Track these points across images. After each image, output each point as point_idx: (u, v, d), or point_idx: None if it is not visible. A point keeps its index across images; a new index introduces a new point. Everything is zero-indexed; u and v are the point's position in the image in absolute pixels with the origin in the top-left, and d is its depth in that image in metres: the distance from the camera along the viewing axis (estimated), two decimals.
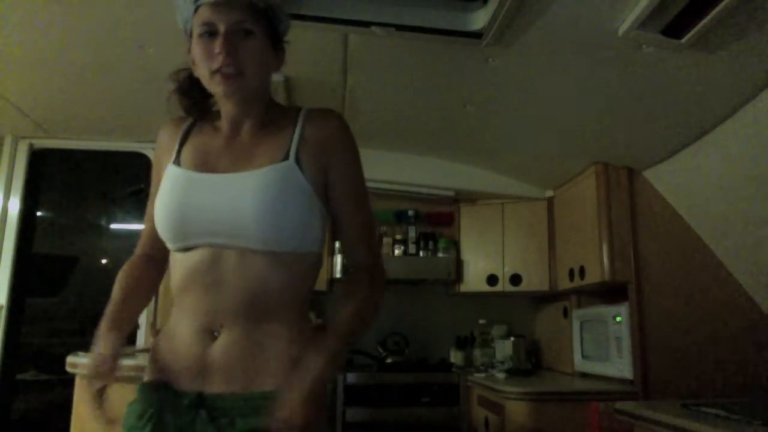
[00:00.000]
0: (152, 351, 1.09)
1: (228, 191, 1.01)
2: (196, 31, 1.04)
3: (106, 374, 0.96)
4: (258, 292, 1.00)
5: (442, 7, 1.81)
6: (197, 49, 1.05)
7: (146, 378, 1.07)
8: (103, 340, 1.00)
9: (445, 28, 1.82)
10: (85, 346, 2.55)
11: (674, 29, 1.63)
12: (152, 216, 1.10)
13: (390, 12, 1.80)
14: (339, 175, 1.08)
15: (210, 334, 1.00)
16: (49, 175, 3.41)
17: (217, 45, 1.01)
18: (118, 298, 1.07)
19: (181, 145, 1.12)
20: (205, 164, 1.06)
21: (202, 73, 1.06)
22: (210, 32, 1.02)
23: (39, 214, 3.38)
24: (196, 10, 1.04)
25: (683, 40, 1.65)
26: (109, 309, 1.05)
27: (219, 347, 1.00)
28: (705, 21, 1.54)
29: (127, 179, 3.49)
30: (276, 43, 1.11)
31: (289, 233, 1.01)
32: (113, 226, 3.60)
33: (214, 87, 1.05)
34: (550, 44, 1.86)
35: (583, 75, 2.04)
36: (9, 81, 2.54)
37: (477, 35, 1.83)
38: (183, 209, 1.01)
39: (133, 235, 3.48)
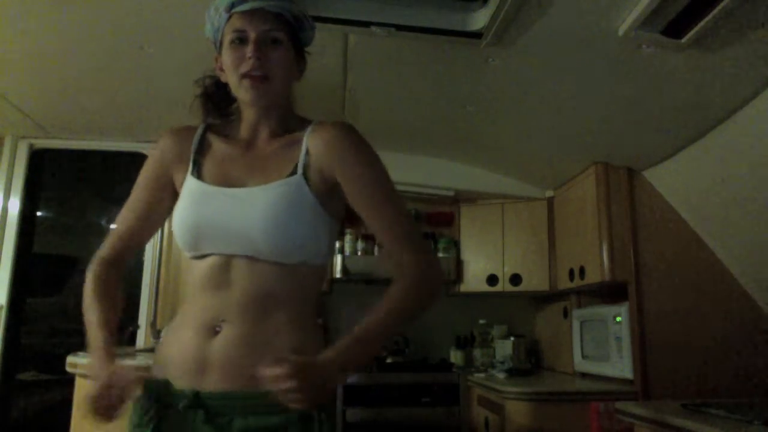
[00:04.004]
0: (157, 347, 1.11)
1: (239, 206, 1.05)
2: (228, 38, 1.10)
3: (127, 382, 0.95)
4: (264, 293, 1.04)
5: (442, 7, 1.81)
6: (227, 55, 1.11)
7: (152, 375, 1.08)
8: (102, 363, 0.99)
9: (445, 28, 1.82)
10: (85, 346, 2.55)
11: (674, 29, 1.63)
12: (129, 216, 1.19)
13: (390, 12, 1.80)
14: (346, 180, 1.09)
15: (212, 329, 1.02)
16: (49, 175, 3.41)
17: (248, 50, 1.07)
18: (101, 320, 1.08)
19: (196, 154, 1.14)
20: (221, 176, 1.11)
21: (231, 78, 1.11)
22: (241, 39, 1.09)
23: (39, 214, 3.38)
24: (228, 18, 1.11)
25: (683, 40, 1.65)
26: (96, 336, 1.05)
27: (219, 342, 1.01)
28: (705, 21, 1.54)
29: (127, 179, 3.48)
30: (299, 53, 1.17)
31: (295, 247, 1.05)
32: (113, 226, 3.60)
33: (242, 92, 1.10)
34: (550, 44, 1.86)
35: (583, 75, 2.04)
36: (9, 81, 2.54)
37: (477, 35, 1.83)
38: (198, 222, 1.07)
39: None
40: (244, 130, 1.15)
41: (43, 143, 3.26)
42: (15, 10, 1.95)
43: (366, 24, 1.81)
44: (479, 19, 1.79)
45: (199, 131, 1.18)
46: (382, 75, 2.31)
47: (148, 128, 3.10)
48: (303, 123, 1.16)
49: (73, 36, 2.11)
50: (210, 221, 1.06)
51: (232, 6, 1.10)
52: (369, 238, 3.43)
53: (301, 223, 1.05)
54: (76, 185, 3.59)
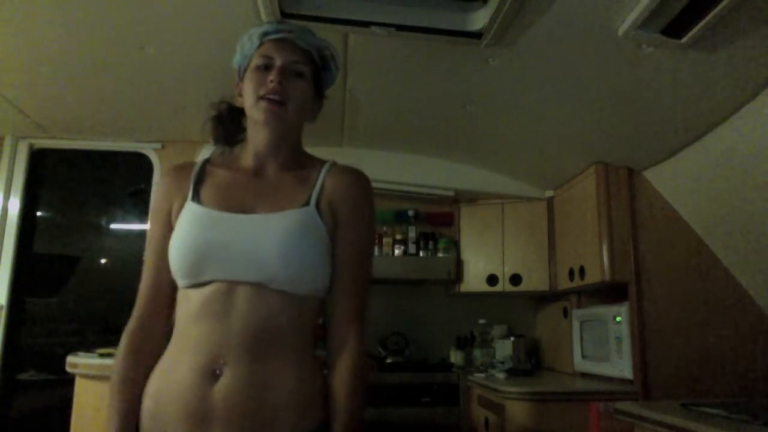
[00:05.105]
0: (146, 391, 1.03)
1: (250, 230, 1.03)
2: (254, 63, 1.13)
3: None
4: (267, 326, 1.00)
5: (442, 7, 1.81)
6: (250, 78, 1.12)
7: (141, 426, 1.01)
8: None
9: (445, 28, 1.82)
10: (85, 347, 2.55)
11: (674, 29, 1.63)
12: (149, 273, 1.11)
13: (390, 12, 1.80)
14: (344, 228, 1.09)
15: (212, 373, 0.97)
16: (49, 175, 3.41)
17: (272, 75, 1.09)
18: (121, 422, 1.02)
19: (197, 184, 1.12)
20: (227, 202, 1.08)
21: (248, 100, 1.11)
22: (266, 65, 1.11)
23: (39, 214, 3.38)
24: (259, 45, 1.14)
25: (683, 40, 1.65)
26: None
27: (222, 390, 0.95)
28: (705, 21, 1.54)
29: (127, 179, 3.49)
30: (318, 93, 1.19)
31: (307, 276, 1.03)
32: (113, 226, 3.60)
33: (257, 113, 1.10)
34: (550, 44, 1.86)
35: (583, 75, 2.04)
36: (9, 81, 2.54)
37: (477, 35, 1.83)
38: (203, 245, 1.02)
39: (133, 235, 3.49)
40: (250, 158, 1.14)
41: (43, 143, 3.26)
42: (15, 11, 1.95)
43: (366, 24, 1.81)
44: (479, 19, 1.79)
45: (199, 164, 1.17)
46: (382, 75, 2.31)
47: (148, 128, 3.11)
48: (312, 160, 1.17)
49: (74, 36, 2.11)
50: (217, 244, 1.01)
51: (266, 34, 1.13)
52: None
53: (314, 253, 1.04)
54: (76, 185, 3.59)
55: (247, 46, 1.15)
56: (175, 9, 1.91)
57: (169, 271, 1.08)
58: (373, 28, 1.82)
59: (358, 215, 1.11)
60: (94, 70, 2.39)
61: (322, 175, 1.12)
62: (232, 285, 1.00)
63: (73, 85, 2.56)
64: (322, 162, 1.16)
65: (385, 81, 2.37)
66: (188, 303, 1.03)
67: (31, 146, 3.24)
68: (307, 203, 1.07)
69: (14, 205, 3.17)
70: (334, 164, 1.16)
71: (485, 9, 1.76)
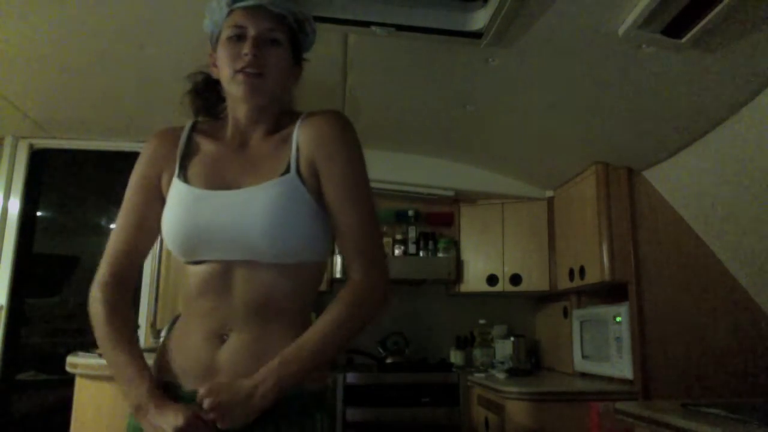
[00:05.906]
0: (159, 353, 1.08)
1: (235, 209, 1.02)
2: (226, 34, 1.08)
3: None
4: (266, 299, 1.02)
5: (442, 7, 1.81)
6: (223, 50, 1.07)
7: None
8: (164, 411, 0.93)
9: (445, 28, 1.82)
10: (85, 347, 2.55)
11: (674, 29, 1.63)
12: (124, 229, 1.12)
13: (390, 12, 1.80)
14: (325, 174, 1.05)
15: (219, 337, 1.01)
16: (49, 175, 3.41)
17: (246, 46, 1.04)
18: (138, 363, 1.00)
19: (183, 157, 1.11)
20: (212, 179, 1.07)
21: (224, 73, 1.07)
22: (239, 35, 1.06)
23: (39, 214, 3.38)
24: (229, 13, 1.09)
25: (683, 40, 1.65)
26: (141, 381, 0.98)
27: (227, 350, 1.00)
28: (705, 21, 1.54)
29: (127, 179, 3.48)
30: (296, 58, 1.14)
31: (295, 246, 1.02)
32: (113, 226, 3.60)
33: (234, 87, 1.06)
34: (550, 44, 1.86)
35: (584, 75, 2.04)
36: (9, 81, 2.54)
37: (477, 35, 1.83)
38: (192, 228, 1.03)
39: None
40: (234, 130, 1.11)
41: (43, 143, 3.26)
42: (15, 10, 1.95)
43: (366, 24, 1.81)
44: (479, 19, 1.79)
45: (185, 132, 1.14)
46: (382, 75, 2.31)
47: (148, 128, 3.07)
48: (292, 118, 1.11)
49: (74, 36, 2.11)
50: (206, 228, 1.02)
51: (235, 1, 1.08)
52: None
53: (299, 223, 1.02)
54: (76, 185, 3.59)
55: (216, 12, 1.10)
56: (175, 9, 1.91)
57: (140, 246, 1.12)
58: (373, 28, 1.82)
59: (335, 156, 1.05)
60: (94, 70, 2.39)
61: (295, 133, 1.07)
62: (226, 264, 1.02)
63: (73, 84, 2.56)
64: (298, 117, 1.11)
65: (385, 81, 2.37)
66: (190, 277, 1.07)
67: (31, 146, 3.24)
68: (287, 170, 1.04)
69: (14, 205, 3.17)
70: (305, 116, 1.10)
71: (485, 9, 1.76)
